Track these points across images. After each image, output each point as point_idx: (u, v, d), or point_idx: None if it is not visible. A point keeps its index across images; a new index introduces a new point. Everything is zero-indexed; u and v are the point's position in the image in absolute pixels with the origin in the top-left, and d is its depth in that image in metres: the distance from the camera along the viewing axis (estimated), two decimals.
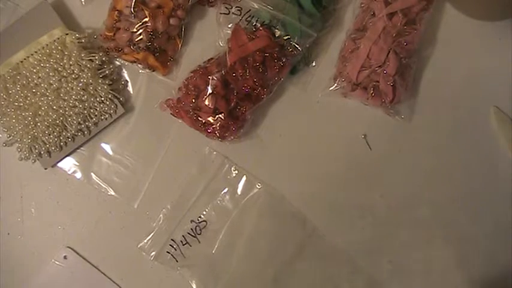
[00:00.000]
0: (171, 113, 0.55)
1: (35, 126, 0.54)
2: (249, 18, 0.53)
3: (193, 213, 0.54)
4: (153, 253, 0.54)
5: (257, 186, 0.54)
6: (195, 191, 0.55)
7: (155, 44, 0.54)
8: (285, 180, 0.55)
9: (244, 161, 0.56)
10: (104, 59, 0.55)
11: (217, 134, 0.53)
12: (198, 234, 0.54)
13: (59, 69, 0.54)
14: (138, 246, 0.54)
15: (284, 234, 0.54)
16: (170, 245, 0.54)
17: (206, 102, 0.52)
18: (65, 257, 0.55)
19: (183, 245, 0.54)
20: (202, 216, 0.54)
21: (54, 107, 0.53)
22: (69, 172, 0.56)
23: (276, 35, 0.53)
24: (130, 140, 0.56)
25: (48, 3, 0.55)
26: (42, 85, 0.54)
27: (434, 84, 0.56)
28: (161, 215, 0.54)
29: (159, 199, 0.55)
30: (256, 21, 0.53)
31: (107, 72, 0.55)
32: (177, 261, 0.53)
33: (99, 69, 0.55)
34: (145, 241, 0.54)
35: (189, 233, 0.54)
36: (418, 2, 0.52)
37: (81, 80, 0.54)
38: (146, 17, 0.53)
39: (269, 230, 0.54)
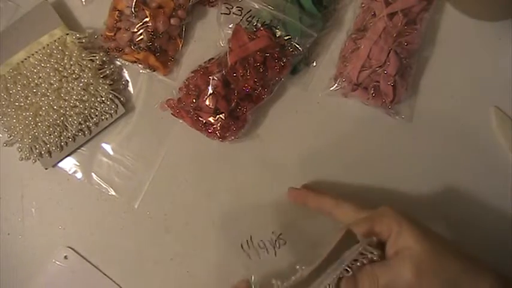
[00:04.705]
0: (171, 113, 0.55)
1: (35, 126, 0.54)
2: (249, 19, 0.53)
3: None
4: None
5: None
6: None
7: (156, 44, 0.54)
8: (286, 181, 0.55)
9: (244, 161, 0.56)
10: (104, 59, 0.55)
11: (218, 134, 0.53)
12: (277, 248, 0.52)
13: (60, 69, 0.54)
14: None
15: None
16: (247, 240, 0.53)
17: (207, 102, 0.52)
18: (65, 257, 0.55)
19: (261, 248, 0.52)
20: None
21: (55, 107, 0.53)
22: (70, 172, 0.56)
23: (277, 35, 0.53)
24: (130, 140, 0.56)
25: (48, 3, 0.55)
26: (43, 85, 0.54)
27: (435, 84, 0.56)
28: None
29: (160, 199, 0.55)
30: (257, 21, 0.53)
31: (108, 72, 0.55)
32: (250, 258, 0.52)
33: (99, 69, 0.55)
34: None
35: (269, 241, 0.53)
36: (419, 2, 0.52)
37: (82, 80, 0.54)
38: (147, 17, 0.53)
39: None
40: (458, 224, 0.54)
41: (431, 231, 0.42)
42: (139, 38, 0.54)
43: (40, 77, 0.54)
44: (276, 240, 0.51)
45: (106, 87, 0.54)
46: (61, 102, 0.53)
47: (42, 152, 0.54)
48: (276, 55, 0.52)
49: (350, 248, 0.42)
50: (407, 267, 0.39)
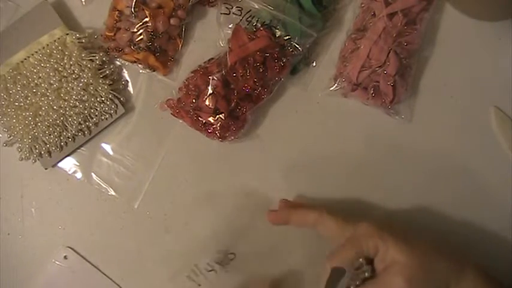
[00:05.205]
0: (171, 113, 0.55)
1: (35, 126, 0.54)
2: (249, 19, 0.53)
3: None
4: None
5: None
6: None
7: (156, 44, 0.54)
8: (285, 181, 0.55)
9: (244, 161, 0.56)
10: (104, 59, 0.55)
11: (218, 134, 0.53)
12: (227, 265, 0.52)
13: (60, 69, 0.54)
14: None
15: None
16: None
17: (206, 103, 0.52)
18: (65, 257, 0.55)
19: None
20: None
21: (55, 107, 0.53)
22: (70, 172, 0.56)
23: (277, 35, 0.53)
24: (130, 140, 0.56)
25: (48, 3, 0.55)
26: (43, 85, 0.54)
27: (434, 84, 0.56)
28: None
29: (160, 199, 0.55)
30: (257, 21, 0.53)
31: (108, 72, 0.55)
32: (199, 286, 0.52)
33: (99, 69, 0.55)
34: None
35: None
36: (419, 2, 0.52)
37: (82, 80, 0.54)
38: (147, 17, 0.53)
39: None
40: (457, 224, 0.54)
41: (413, 240, 0.43)
42: (139, 38, 0.54)
43: (40, 77, 0.54)
44: (222, 260, 0.51)
45: (106, 87, 0.54)
46: (61, 102, 0.53)
47: (42, 152, 0.54)
48: (275, 55, 0.52)
49: (340, 280, 0.43)
50: (400, 281, 0.40)
